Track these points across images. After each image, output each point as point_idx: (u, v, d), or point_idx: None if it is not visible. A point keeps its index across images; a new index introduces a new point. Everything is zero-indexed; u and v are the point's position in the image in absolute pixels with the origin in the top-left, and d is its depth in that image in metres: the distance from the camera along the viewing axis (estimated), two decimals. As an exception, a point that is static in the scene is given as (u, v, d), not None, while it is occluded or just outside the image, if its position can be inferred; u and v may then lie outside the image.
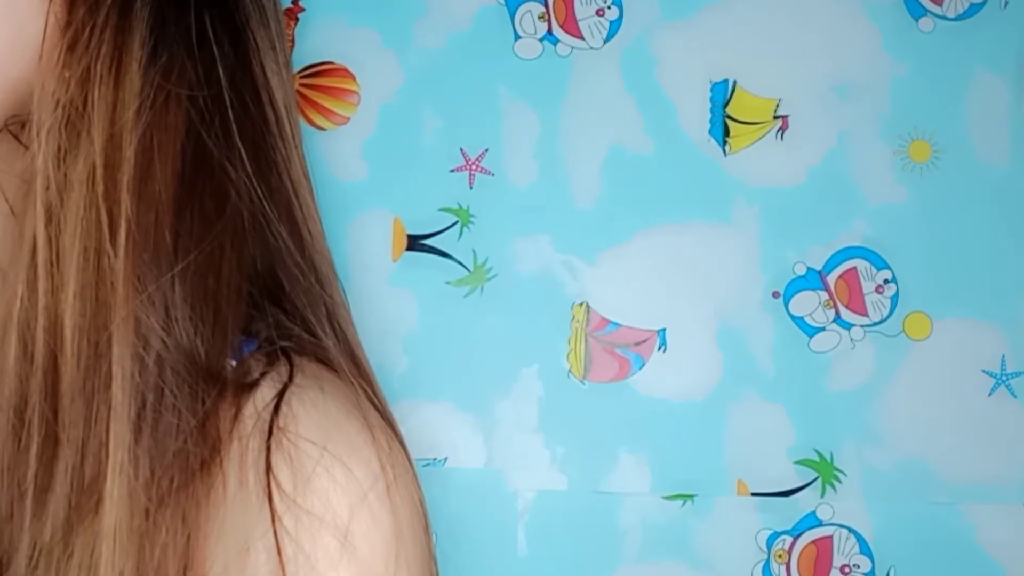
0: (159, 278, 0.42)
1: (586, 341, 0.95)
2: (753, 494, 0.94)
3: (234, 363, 0.45)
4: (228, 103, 0.46)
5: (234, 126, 0.47)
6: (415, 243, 0.95)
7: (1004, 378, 0.94)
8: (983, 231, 0.94)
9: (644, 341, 0.95)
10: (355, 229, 0.95)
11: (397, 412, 0.93)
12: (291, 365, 0.45)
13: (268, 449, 0.42)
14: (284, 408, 0.43)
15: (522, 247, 0.95)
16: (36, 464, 0.41)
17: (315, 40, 0.96)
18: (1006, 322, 0.94)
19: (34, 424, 0.41)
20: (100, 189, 0.42)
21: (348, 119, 0.96)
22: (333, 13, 0.96)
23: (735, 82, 0.96)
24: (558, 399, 0.94)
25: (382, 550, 0.42)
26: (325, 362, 0.47)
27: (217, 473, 0.42)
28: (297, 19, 0.96)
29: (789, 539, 0.94)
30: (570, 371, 0.94)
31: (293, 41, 0.96)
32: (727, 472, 0.94)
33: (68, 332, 0.41)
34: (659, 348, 0.95)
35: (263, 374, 0.44)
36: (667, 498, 0.94)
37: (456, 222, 0.95)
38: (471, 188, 0.95)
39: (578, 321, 0.95)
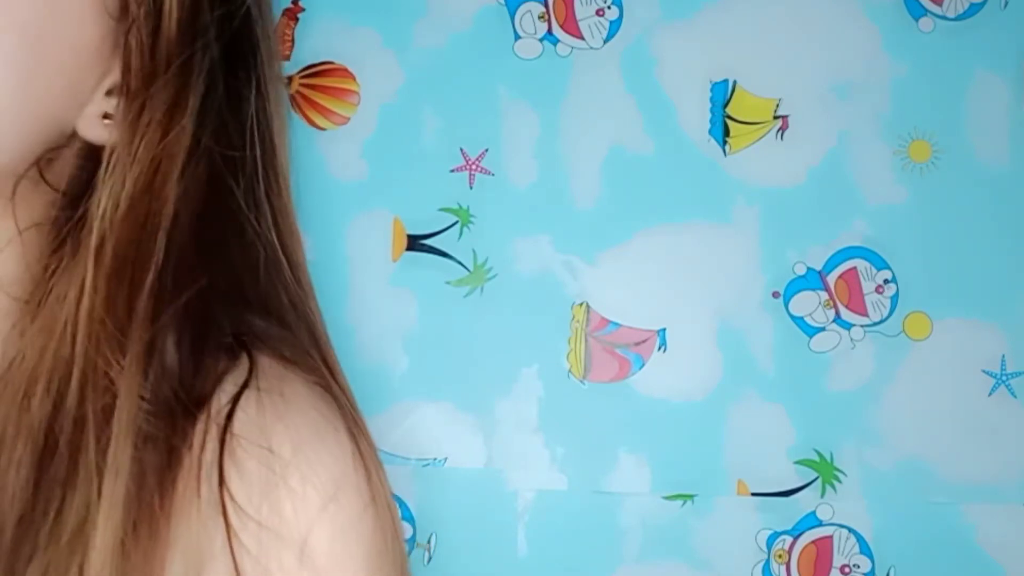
0: (158, 318, 0.42)
1: (586, 341, 0.95)
2: (753, 494, 0.94)
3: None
4: (255, 155, 0.47)
5: (258, 178, 0.48)
6: (415, 243, 0.95)
7: (1004, 378, 0.94)
8: (983, 231, 0.94)
9: (644, 341, 0.95)
10: (355, 229, 0.95)
11: (397, 412, 0.94)
12: (251, 363, 0.44)
13: (221, 459, 0.41)
14: (240, 413, 0.42)
15: (522, 247, 0.95)
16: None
17: (315, 40, 0.96)
18: (1006, 322, 0.94)
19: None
20: (137, 237, 0.42)
21: (348, 119, 0.96)
22: (333, 13, 0.96)
23: (735, 82, 0.96)
24: (558, 399, 0.94)
25: (344, 561, 0.41)
26: (289, 359, 0.46)
27: (174, 485, 0.41)
28: (297, 19, 0.96)
29: (789, 539, 0.94)
30: (570, 371, 0.94)
31: (293, 41, 0.96)
32: (727, 472, 0.94)
33: (76, 378, 0.41)
34: (659, 348, 0.95)
35: (223, 373, 0.44)
36: (667, 498, 0.94)
37: (456, 222, 0.95)
38: (471, 188, 0.95)
39: (578, 321, 0.95)
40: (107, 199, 0.42)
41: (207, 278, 0.44)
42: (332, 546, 0.41)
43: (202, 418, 0.42)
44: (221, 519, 0.40)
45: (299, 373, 0.45)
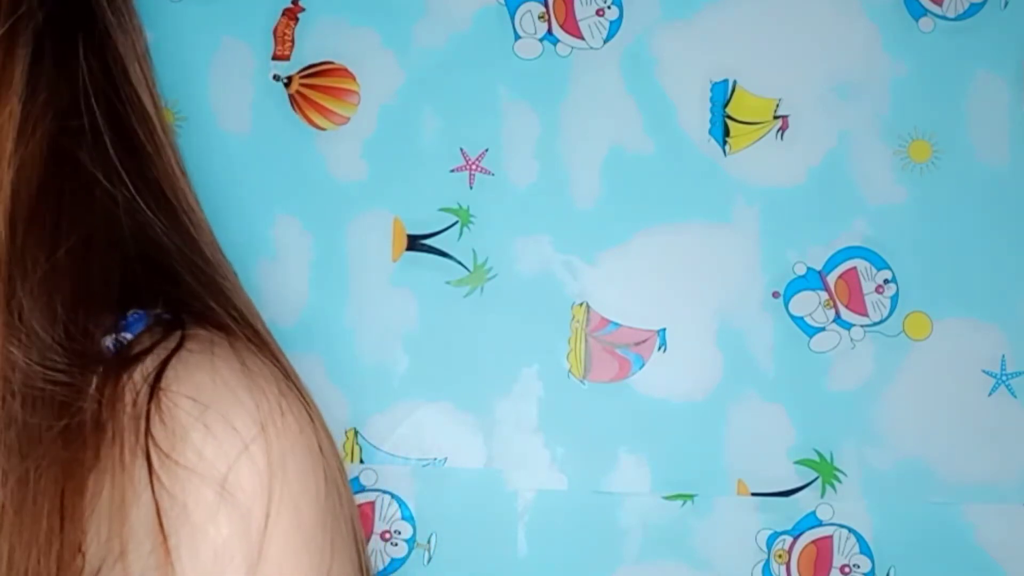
0: (20, 300, 0.43)
1: (586, 341, 0.95)
2: (753, 494, 0.94)
3: (125, 336, 0.46)
4: (94, 116, 0.47)
5: (102, 136, 0.48)
6: (415, 243, 0.95)
7: (1004, 378, 0.94)
8: (983, 231, 0.94)
9: (644, 341, 0.95)
10: (355, 229, 0.95)
11: (397, 412, 0.94)
12: (183, 333, 0.46)
13: (148, 410, 0.42)
14: (169, 372, 0.43)
15: (522, 247, 0.95)
16: None
17: (315, 40, 0.96)
18: (1006, 322, 0.94)
19: None
20: None
21: (348, 119, 0.96)
22: (333, 13, 0.96)
23: (735, 82, 0.96)
24: (558, 399, 0.94)
25: (263, 497, 0.42)
26: (220, 327, 0.48)
27: (94, 443, 0.42)
28: (297, 19, 0.96)
29: (789, 539, 0.94)
30: (570, 371, 0.94)
31: (293, 41, 0.96)
32: (727, 472, 0.94)
33: None
34: (659, 348, 0.95)
35: (154, 344, 0.45)
36: (667, 498, 0.94)
37: (456, 222, 0.95)
38: (471, 188, 0.95)
39: (578, 321, 0.95)
40: None
41: (68, 245, 0.45)
42: (252, 483, 0.42)
43: (134, 377, 0.43)
44: (144, 463, 0.42)
45: (230, 337, 0.47)
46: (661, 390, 0.94)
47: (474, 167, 0.95)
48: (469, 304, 0.95)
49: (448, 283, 0.95)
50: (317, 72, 0.96)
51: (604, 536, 0.94)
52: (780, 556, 0.94)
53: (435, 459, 0.94)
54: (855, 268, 0.95)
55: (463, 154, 0.95)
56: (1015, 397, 0.94)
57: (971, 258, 0.94)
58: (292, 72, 0.96)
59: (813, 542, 0.94)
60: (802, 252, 0.95)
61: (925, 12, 0.95)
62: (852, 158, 0.95)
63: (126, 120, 0.49)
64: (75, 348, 0.44)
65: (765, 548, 0.94)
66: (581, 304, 0.95)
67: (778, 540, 0.94)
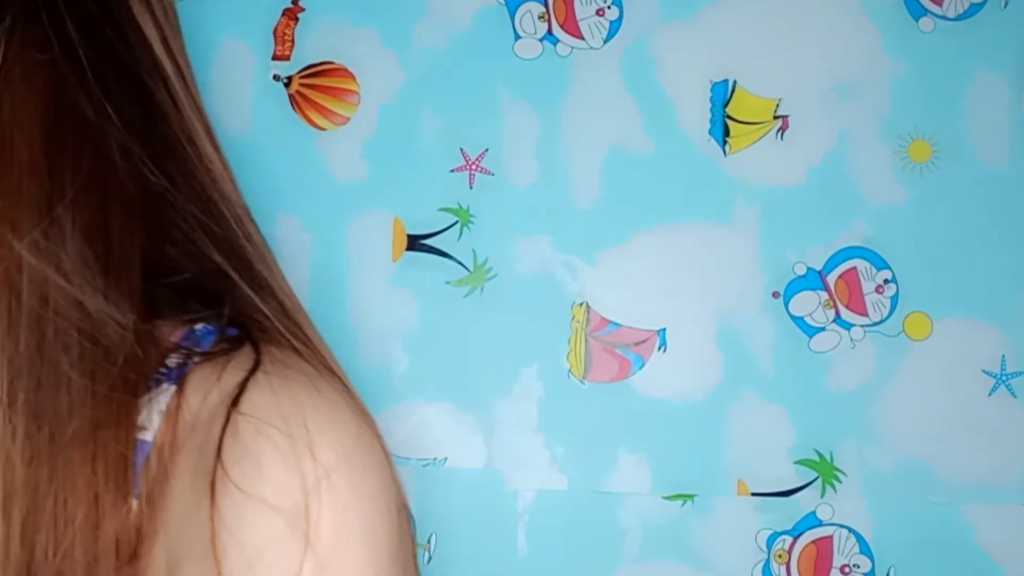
0: (34, 239, 0.42)
1: (586, 341, 0.95)
2: (753, 494, 0.94)
3: (190, 351, 0.45)
4: (85, 53, 0.46)
5: (102, 76, 0.46)
6: (415, 243, 0.95)
7: (1004, 378, 0.94)
8: (983, 231, 0.94)
9: (644, 341, 0.95)
10: (355, 229, 0.95)
11: (397, 412, 0.94)
12: (257, 351, 0.45)
13: (223, 433, 0.42)
14: (247, 394, 0.43)
15: (522, 247, 0.95)
16: None
17: (315, 40, 0.96)
18: (1006, 322, 0.94)
19: None
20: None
21: (348, 119, 0.96)
22: (333, 13, 0.96)
23: (735, 82, 0.96)
24: (558, 399, 0.94)
25: (340, 535, 0.41)
26: (289, 346, 0.47)
27: (165, 456, 0.42)
28: (297, 19, 0.96)
29: (789, 539, 0.94)
30: (570, 371, 0.94)
31: (293, 41, 0.96)
32: (727, 472, 0.94)
33: None
34: (659, 348, 0.95)
35: (226, 360, 0.44)
36: (667, 498, 0.94)
37: (456, 222, 0.95)
38: (471, 188, 0.95)
39: (578, 321, 0.95)
40: None
41: (99, 202, 0.45)
42: (330, 515, 0.41)
43: (212, 395, 0.43)
44: (208, 489, 0.41)
45: (297, 355, 0.46)
46: (661, 390, 0.94)
47: (474, 167, 0.95)
48: (469, 304, 0.95)
49: (448, 283, 0.95)
50: (317, 72, 0.96)
51: (604, 536, 0.94)
52: (780, 556, 0.94)
53: (435, 459, 0.94)
54: (855, 268, 0.95)
55: (463, 154, 0.95)
56: (1015, 397, 0.94)
57: (971, 258, 0.94)
58: (292, 72, 0.96)
59: (813, 542, 0.94)
60: (802, 252, 0.95)
61: (925, 12, 0.95)
62: (852, 158, 0.95)
63: (132, 66, 0.48)
64: (117, 316, 0.43)
65: (765, 548, 0.94)
66: (581, 304, 0.95)
67: (778, 540, 0.94)
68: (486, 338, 0.94)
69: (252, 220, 0.53)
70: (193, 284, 0.48)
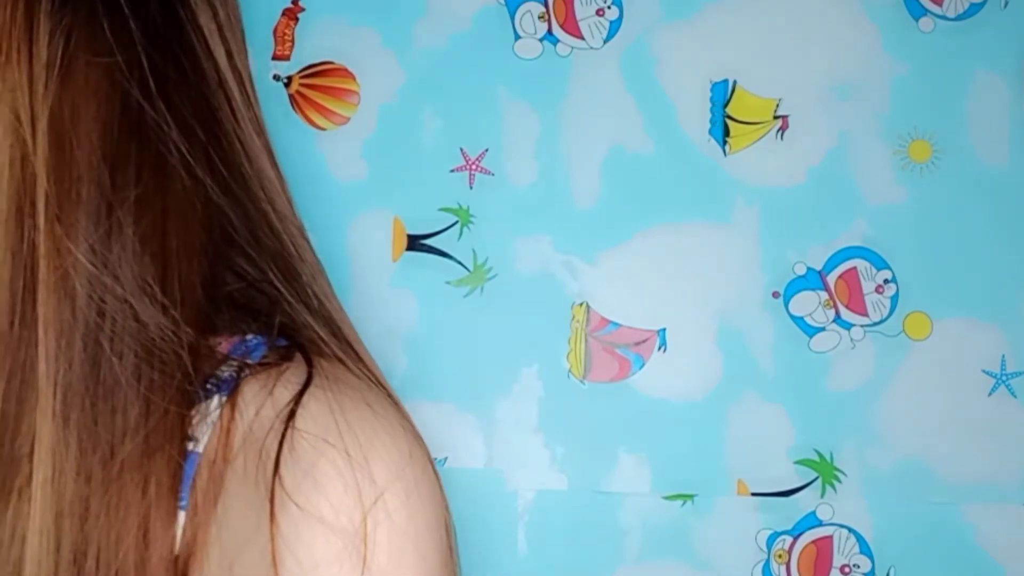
0: (92, 247, 0.42)
1: (586, 341, 0.95)
2: (753, 494, 0.94)
3: (241, 362, 0.44)
4: (151, 65, 0.45)
5: (166, 88, 0.46)
6: (415, 243, 0.95)
7: (1004, 378, 0.94)
8: (983, 231, 0.94)
9: (644, 341, 0.95)
10: (355, 229, 0.95)
11: (397, 412, 0.94)
12: (309, 364, 0.45)
13: (279, 448, 0.41)
14: (301, 409, 0.42)
15: (522, 247, 0.95)
16: None
17: (315, 40, 0.96)
18: (1006, 322, 0.94)
19: None
20: (13, 164, 0.42)
21: (348, 119, 0.96)
22: (333, 13, 0.96)
23: (735, 82, 0.96)
24: (558, 399, 0.94)
25: (395, 554, 0.42)
26: (338, 358, 0.47)
27: (217, 468, 0.42)
28: (297, 19, 0.96)
29: (789, 539, 0.94)
30: (570, 371, 0.94)
31: (293, 41, 0.96)
32: (727, 472, 0.94)
33: None
34: (659, 348, 0.95)
35: (278, 373, 0.44)
36: (667, 498, 0.94)
37: (456, 222, 0.95)
38: (471, 188, 0.95)
39: (578, 321, 0.95)
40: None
41: (159, 210, 0.44)
42: (384, 534, 0.41)
43: (265, 409, 0.42)
44: (267, 506, 0.41)
45: (347, 370, 0.46)
46: (661, 390, 0.94)
47: (474, 167, 0.95)
48: (469, 304, 0.95)
49: (448, 283, 0.95)
50: (317, 72, 0.96)
51: (604, 536, 0.94)
52: (780, 556, 0.94)
53: (435, 459, 0.94)
54: (855, 268, 0.95)
55: (463, 154, 0.95)
56: (1015, 397, 0.94)
57: (971, 258, 0.94)
58: (292, 72, 0.96)
59: (813, 542, 0.94)
60: (802, 252, 0.95)
61: (925, 12, 0.95)
62: (852, 158, 0.95)
63: (195, 76, 0.48)
64: (173, 335, 0.43)
65: (765, 548, 0.94)
66: (581, 304, 0.95)
67: (778, 540, 0.94)
68: (486, 338, 0.94)
69: (306, 238, 0.52)
70: (243, 296, 0.47)
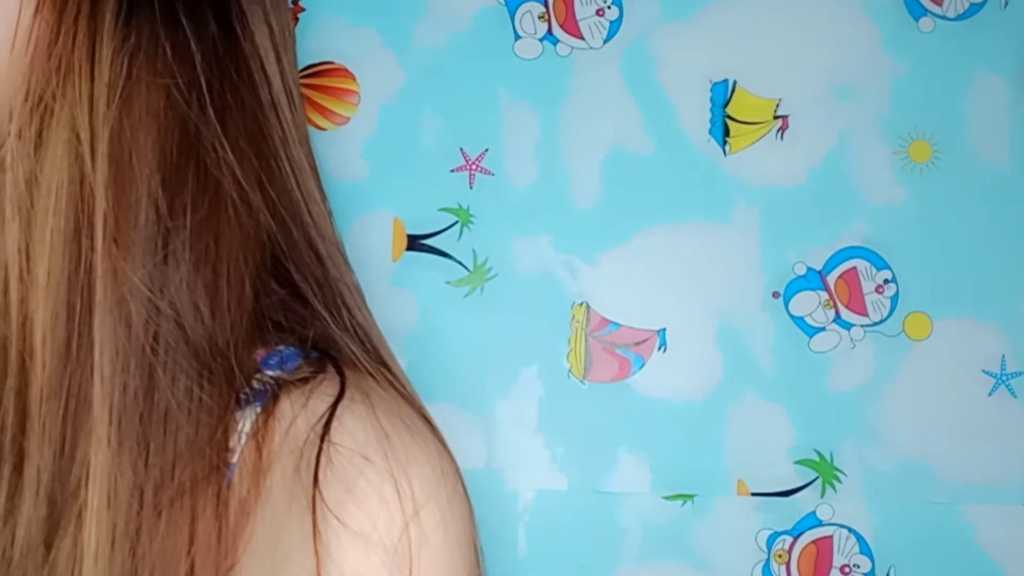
0: (148, 271, 0.42)
1: (586, 341, 0.95)
2: (753, 494, 0.94)
3: (275, 372, 0.44)
4: (209, 88, 0.45)
5: (222, 111, 0.46)
6: (415, 243, 0.95)
7: (1004, 378, 0.94)
8: (983, 231, 0.94)
9: (644, 341, 0.95)
10: (355, 229, 0.95)
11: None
12: (342, 376, 0.45)
13: (318, 462, 0.41)
14: (336, 422, 0.42)
15: (522, 247, 0.95)
16: (6, 471, 0.41)
17: (315, 40, 0.96)
18: (1006, 322, 0.94)
19: (4, 428, 0.41)
20: (72, 183, 0.42)
21: (348, 119, 0.96)
22: (333, 13, 0.96)
23: (735, 82, 0.96)
24: (558, 399, 0.94)
25: (430, 569, 0.42)
26: (369, 372, 0.46)
27: (251, 479, 0.42)
28: (297, 19, 0.96)
29: (789, 539, 0.94)
30: (570, 371, 0.94)
31: (293, 41, 0.96)
32: (727, 472, 0.94)
33: (39, 333, 0.41)
34: (659, 348, 0.95)
35: (311, 384, 0.44)
36: (667, 498, 0.94)
37: (456, 222, 0.95)
38: (471, 188, 0.95)
39: (578, 321, 0.95)
40: (16, 147, 0.42)
41: (211, 234, 0.44)
42: (419, 549, 0.42)
43: (300, 420, 0.42)
44: (308, 521, 0.41)
45: (376, 380, 0.46)
46: (661, 390, 0.94)
47: (474, 167, 0.95)
48: (469, 304, 0.95)
49: (448, 283, 0.95)
50: (317, 72, 0.96)
51: (604, 536, 0.94)
52: (780, 556, 0.94)
53: (435, 459, 0.94)
54: (855, 268, 0.95)
55: (463, 154, 0.95)
56: (1015, 397, 0.94)
57: (971, 258, 0.94)
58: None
59: (813, 542, 0.94)
60: (802, 252, 0.95)
61: (925, 12, 0.95)
62: (852, 158, 0.95)
63: (251, 99, 0.47)
64: (222, 355, 0.42)
65: (765, 548, 0.94)
66: (581, 304, 0.95)
67: (778, 540, 0.94)
68: (486, 338, 0.94)
69: (345, 259, 0.52)
70: (286, 318, 0.47)
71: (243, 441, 0.42)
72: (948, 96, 0.95)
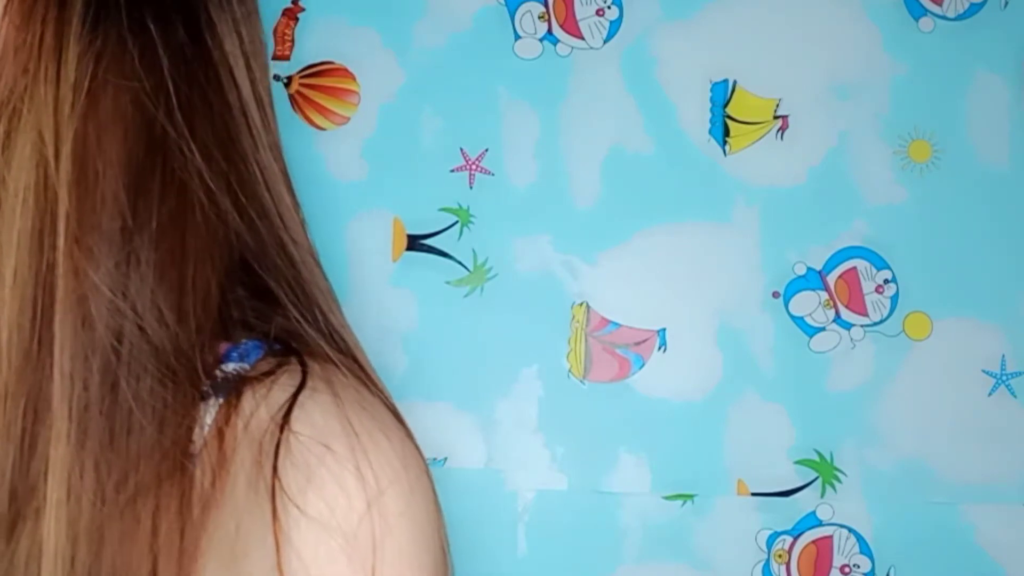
0: (110, 271, 0.42)
1: (586, 341, 0.95)
2: (753, 494, 0.94)
3: (237, 365, 0.45)
4: (177, 92, 0.45)
5: (190, 115, 0.46)
6: (415, 243, 0.95)
7: (1004, 378, 0.94)
8: (983, 231, 0.94)
9: (644, 341, 0.95)
10: (355, 229, 0.95)
11: (397, 412, 0.94)
12: (304, 367, 0.45)
13: (277, 451, 0.41)
14: (297, 411, 0.42)
15: (522, 247, 0.95)
16: None
17: (315, 40, 0.96)
18: (1006, 322, 0.94)
19: None
20: (37, 184, 0.42)
21: (348, 119, 0.96)
22: (333, 13, 0.96)
23: (735, 82, 0.96)
24: (558, 399, 0.94)
25: (392, 556, 0.42)
26: (334, 363, 0.47)
27: (213, 471, 0.42)
28: (297, 19, 0.96)
29: (789, 539, 0.94)
30: (570, 371, 0.94)
31: (293, 41, 0.96)
32: (727, 472, 0.94)
33: (5, 331, 0.41)
34: (659, 348, 0.95)
35: (274, 376, 0.44)
36: (667, 498, 0.94)
37: (456, 222, 0.95)
38: (471, 188, 0.95)
39: (578, 321, 0.95)
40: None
41: (177, 235, 0.44)
42: (380, 536, 0.42)
43: (260, 411, 0.42)
44: (268, 510, 0.41)
45: (342, 372, 0.46)
46: (661, 390, 0.94)
47: (474, 167, 0.95)
48: (469, 304, 0.95)
49: (448, 283, 0.95)
50: (317, 72, 0.96)
51: (604, 536, 0.94)
52: (780, 556, 0.94)
53: (435, 459, 0.94)
54: (855, 268, 0.95)
55: (463, 154, 0.95)
56: (1015, 397, 0.94)
57: (971, 258, 0.94)
58: (292, 72, 0.96)
59: (813, 542, 0.94)
60: (802, 252, 0.95)
61: (925, 12, 0.95)
62: (852, 158, 0.95)
63: (219, 103, 0.48)
64: (182, 354, 0.43)
65: (765, 548, 0.94)
66: (581, 304, 0.95)
67: (778, 540, 0.94)
68: (486, 338, 0.94)
69: (319, 265, 0.53)
70: (256, 320, 0.47)
71: (205, 435, 0.42)
72: (948, 96, 0.95)
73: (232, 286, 0.47)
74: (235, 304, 0.47)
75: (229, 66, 0.49)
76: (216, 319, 0.45)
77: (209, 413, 0.43)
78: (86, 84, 0.43)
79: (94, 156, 0.43)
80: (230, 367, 0.45)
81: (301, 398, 0.43)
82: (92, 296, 0.42)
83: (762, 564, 0.94)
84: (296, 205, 0.53)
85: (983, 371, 0.94)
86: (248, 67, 0.50)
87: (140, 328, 0.42)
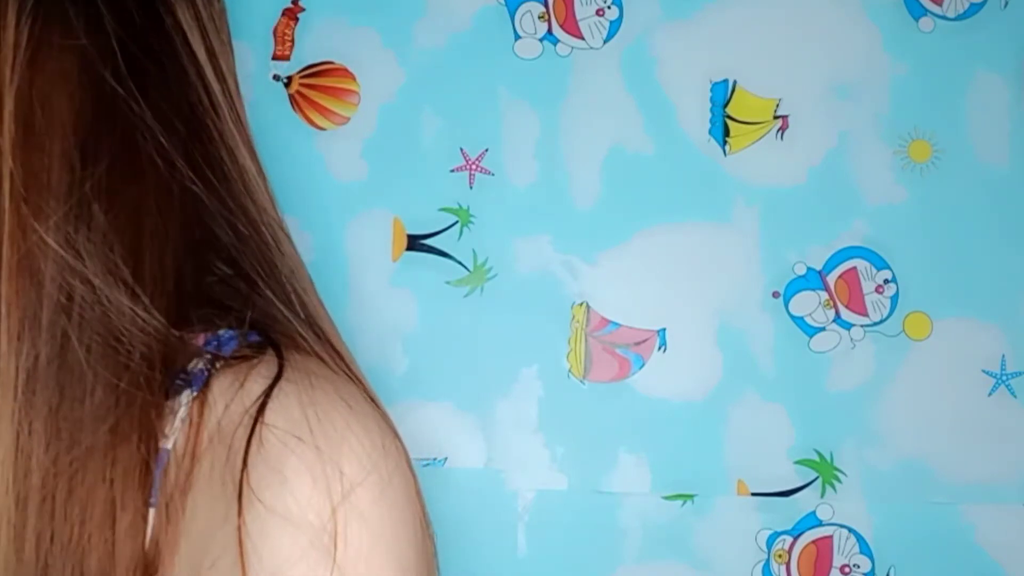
0: (60, 229, 0.42)
1: (586, 341, 0.95)
2: (753, 494, 0.94)
3: (213, 356, 0.44)
4: (125, 52, 0.45)
5: (141, 78, 0.46)
6: (415, 243, 0.95)
7: (1004, 378, 0.94)
8: (983, 231, 0.94)
9: (644, 341, 0.95)
10: (355, 229, 0.95)
11: (397, 412, 0.94)
12: (280, 357, 0.44)
13: (248, 444, 0.41)
14: (273, 403, 0.42)
15: (522, 247, 0.95)
16: None
17: (315, 40, 0.96)
18: (1006, 322, 0.94)
19: None
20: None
21: (348, 119, 0.96)
22: (333, 13, 0.96)
23: (735, 82, 0.96)
24: (558, 399, 0.94)
25: (366, 550, 0.41)
26: (312, 352, 0.46)
27: (186, 463, 0.41)
28: (297, 19, 0.96)
29: (789, 539, 0.94)
30: (570, 371, 0.94)
31: (293, 41, 0.96)
32: (727, 472, 0.94)
33: None
34: (659, 348, 0.95)
35: (250, 366, 0.43)
36: (667, 498, 0.94)
37: (456, 222, 0.95)
38: (471, 188, 0.95)
39: (578, 321, 0.95)
40: None
41: (132, 198, 0.44)
42: (355, 533, 0.41)
43: (235, 403, 0.42)
44: (235, 503, 0.40)
45: (321, 363, 0.45)
46: (661, 390, 0.94)
47: (474, 167, 0.95)
48: (469, 304, 0.95)
49: (448, 283, 0.95)
50: (317, 72, 0.96)
51: (604, 536, 0.94)
52: (780, 556, 0.94)
53: (435, 459, 0.94)
54: (855, 268, 0.95)
55: (463, 154, 0.95)
56: (1015, 397, 0.94)
57: (971, 258, 0.94)
58: (292, 72, 0.96)
59: (813, 542, 0.94)
60: (802, 252, 0.95)
61: (925, 12, 0.95)
62: (852, 158, 0.95)
63: (173, 66, 0.47)
64: (144, 323, 0.42)
65: (765, 548, 0.94)
66: (581, 304, 0.95)
67: (778, 540, 0.94)
68: (486, 338, 0.94)
69: (286, 234, 0.52)
70: (220, 290, 0.47)
71: (177, 426, 0.42)
72: (948, 96, 0.95)
73: (199, 255, 0.46)
74: (202, 274, 0.46)
75: (183, 32, 0.49)
76: (187, 292, 0.45)
77: (183, 405, 0.42)
78: (24, 42, 0.43)
79: (39, 115, 0.43)
80: (206, 358, 0.44)
81: (276, 390, 0.42)
82: (40, 254, 0.41)
83: (762, 564, 0.94)
84: (262, 174, 0.52)
85: (983, 371, 0.94)
86: (204, 36, 0.50)
87: (92, 286, 0.42)
